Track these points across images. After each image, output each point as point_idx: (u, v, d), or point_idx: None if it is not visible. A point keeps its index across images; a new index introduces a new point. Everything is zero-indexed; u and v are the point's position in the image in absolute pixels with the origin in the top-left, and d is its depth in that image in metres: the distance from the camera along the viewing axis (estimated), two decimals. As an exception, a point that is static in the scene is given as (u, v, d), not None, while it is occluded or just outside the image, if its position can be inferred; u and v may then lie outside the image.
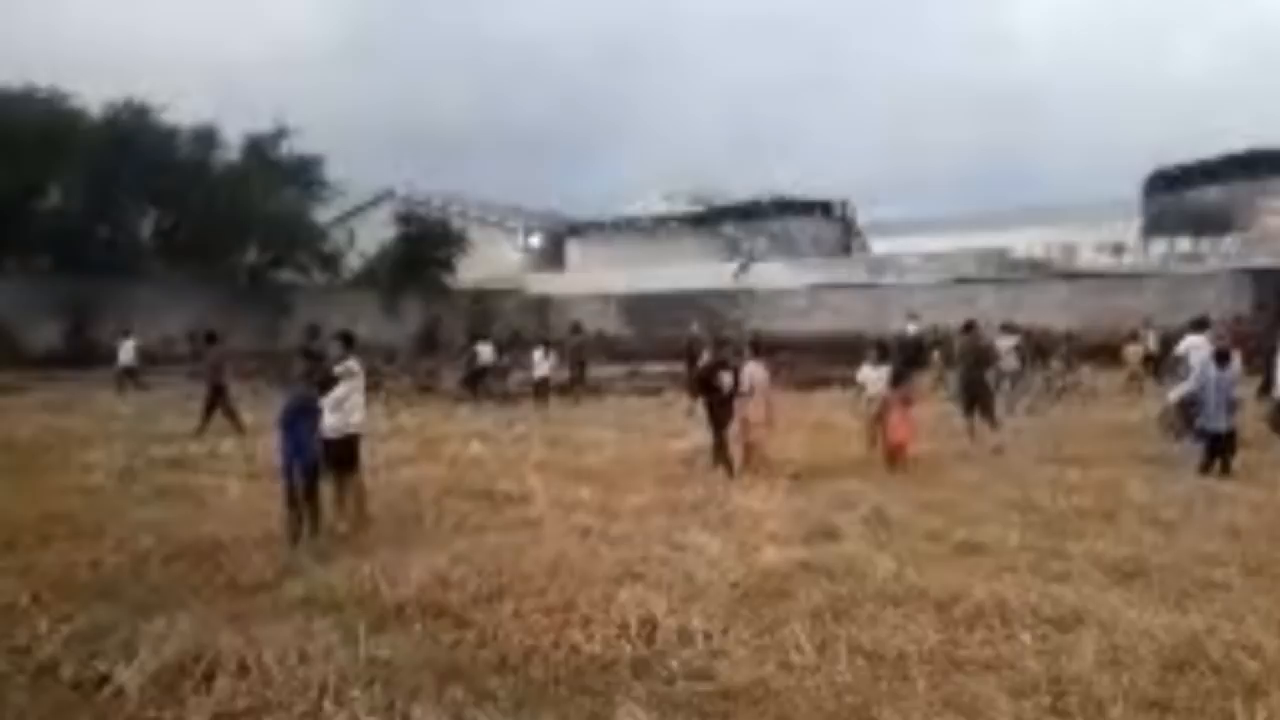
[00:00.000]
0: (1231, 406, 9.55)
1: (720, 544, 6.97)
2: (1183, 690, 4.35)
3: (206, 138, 34.48)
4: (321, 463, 7.52)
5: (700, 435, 11.30)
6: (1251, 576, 6.09)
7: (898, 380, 10.70)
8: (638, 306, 36.23)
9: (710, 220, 40.74)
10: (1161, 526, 7.43)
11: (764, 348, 11.35)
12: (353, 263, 37.89)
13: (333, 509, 7.77)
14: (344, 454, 7.77)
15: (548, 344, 19.24)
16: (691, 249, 39.39)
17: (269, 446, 8.65)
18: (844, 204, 39.95)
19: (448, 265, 38.42)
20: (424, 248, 37.97)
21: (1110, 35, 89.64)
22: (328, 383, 7.78)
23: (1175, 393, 11.41)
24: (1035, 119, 79.29)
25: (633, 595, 5.59)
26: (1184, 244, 27.69)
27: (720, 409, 10.26)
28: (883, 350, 11.59)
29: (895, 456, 10.31)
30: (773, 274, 34.95)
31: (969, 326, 13.64)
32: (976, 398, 12.55)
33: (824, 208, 39.70)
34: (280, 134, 35.72)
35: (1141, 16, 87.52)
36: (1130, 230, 32.11)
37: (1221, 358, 9.85)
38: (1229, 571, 6.18)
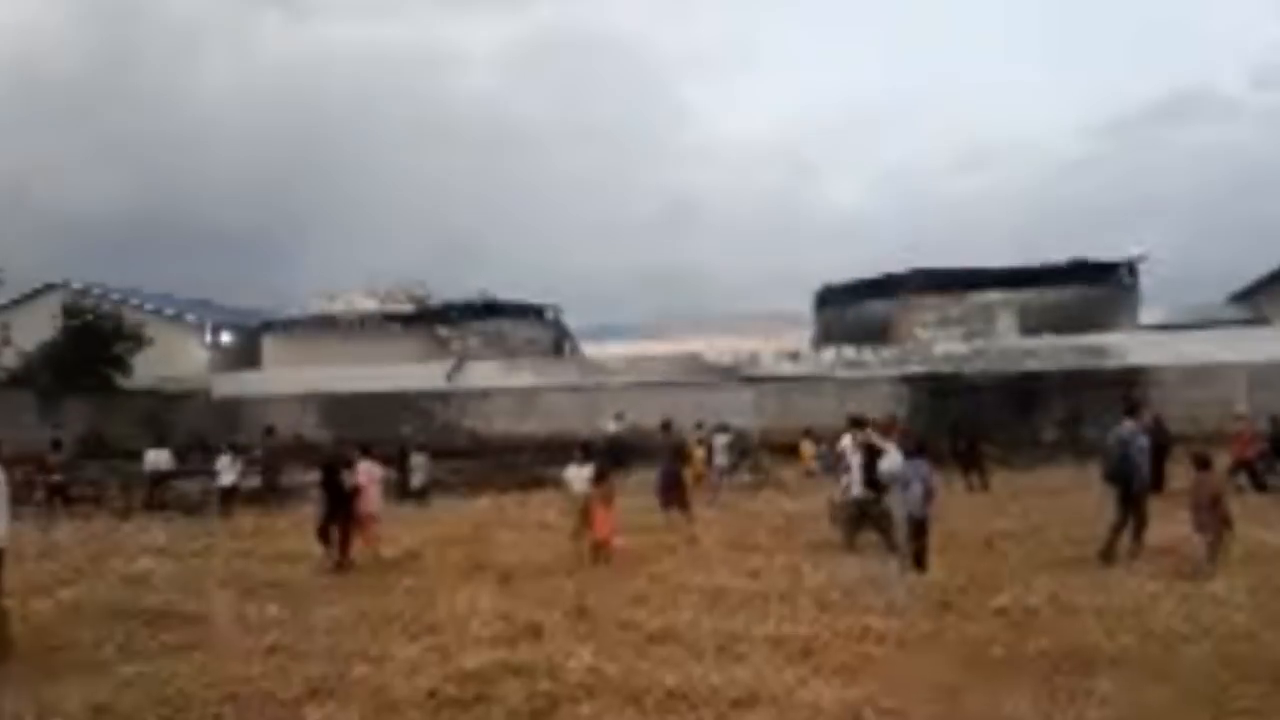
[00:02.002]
0: (928, 496, 9.75)
1: (420, 652, 6.78)
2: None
3: None
4: None
5: (407, 542, 11.16)
6: (905, 650, 6.84)
7: (600, 478, 11.07)
8: (341, 408, 34.66)
9: (421, 320, 40.19)
10: (831, 607, 8.15)
11: (371, 449, 12.42)
12: (8, 361, 33.24)
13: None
14: None
15: (235, 448, 17.84)
16: (401, 349, 38.53)
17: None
18: (555, 308, 41.17)
19: (120, 364, 34.72)
20: (92, 344, 34.08)
21: (779, 168, 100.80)
22: None
23: (840, 488, 12.71)
24: (703, 239, 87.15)
25: (321, 715, 5.26)
26: (850, 352, 31.29)
27: (340, 506, 11.10)
28: (586, 450, 11.99)
29: (599, 551, 10.60)
30: (486, 374, 35.03)
31: (666, 426, 14.46)
32: (674, 491, 13.25)
33: (536, 311, 40.67)
34: None
35: (788, 154, 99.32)
36: (803, 339, 35.85)
37: (918, 450, 10.22)
38: (887, 646, 6.90)
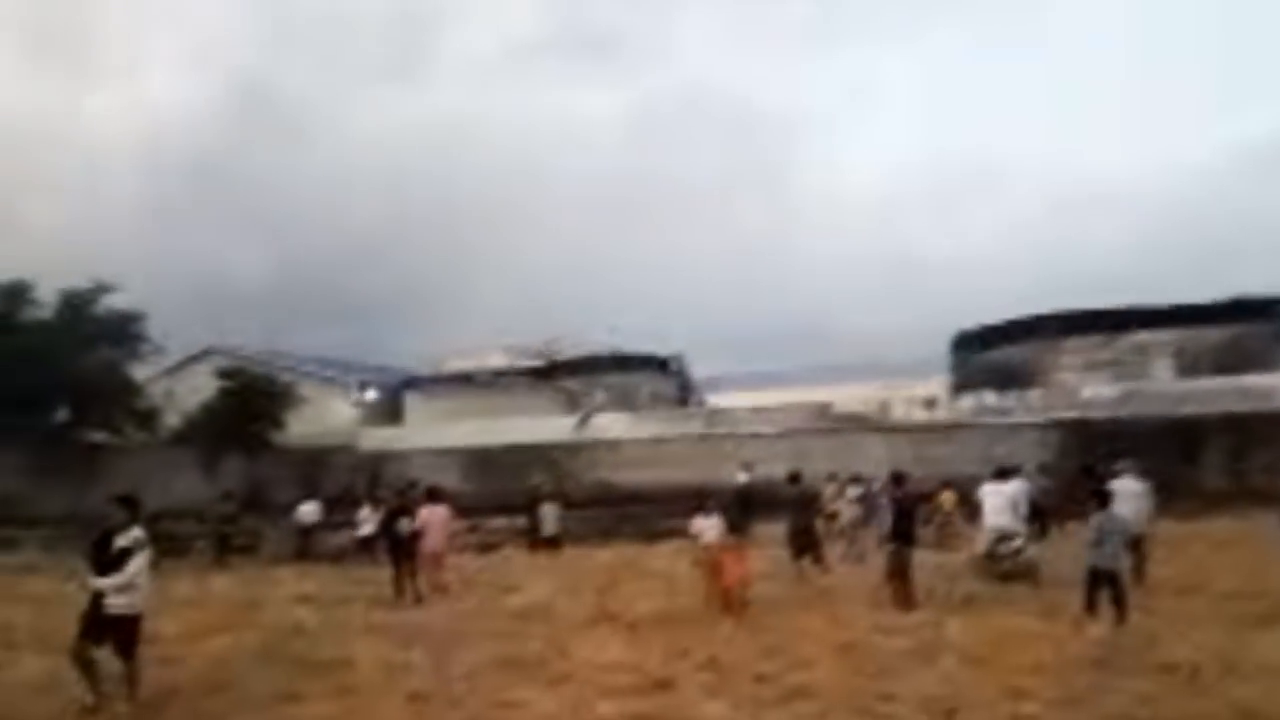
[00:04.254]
0: (1125, 545, 9.32)
1: (554, 700, 6.81)
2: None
3: (17, 293, 32.95)
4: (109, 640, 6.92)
5: (539, 589, 11.28)
6: (1057, 708, 6.44)
7: (731, 528, 10.97)
8: (479, 461, 35.70)
9: (551, 374, 41.16)
10: (975, 664, 7.75)
11: (440, 494, 13.73)
12: (172, 421, 35.97)
13: (121, 688, 7.06)
14: (132, 632, 7.10)
15: (375, 500, 18.62)
16: (532, 403, 39.51)
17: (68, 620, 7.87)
18: (679, 359, 41.40)
19: (274, 421, 36.97)
20: (247, 403, 36.49)
21: (915, 208, 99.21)
22: (115, 558, 6.95)
23: (982, 539, 12.25)
24: (849, 283, 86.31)
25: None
26: (990, 398, 30.06)
27: (400, 549, 12.53)
28: (716, 500, 11.92)
29: (730, 603, 10.45)
30: (613, 426, 35.46)
31: (795, 477, 14.19)
32: (805, 543, 12.98)
33: (661, 363, 40.98)
34: (97, 290, 34.40)
35: (940, 191, 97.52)
36: (940, 386, 34.65)
37: (1103, 498, 9.57)
38: (1037, 704, 6.51)
